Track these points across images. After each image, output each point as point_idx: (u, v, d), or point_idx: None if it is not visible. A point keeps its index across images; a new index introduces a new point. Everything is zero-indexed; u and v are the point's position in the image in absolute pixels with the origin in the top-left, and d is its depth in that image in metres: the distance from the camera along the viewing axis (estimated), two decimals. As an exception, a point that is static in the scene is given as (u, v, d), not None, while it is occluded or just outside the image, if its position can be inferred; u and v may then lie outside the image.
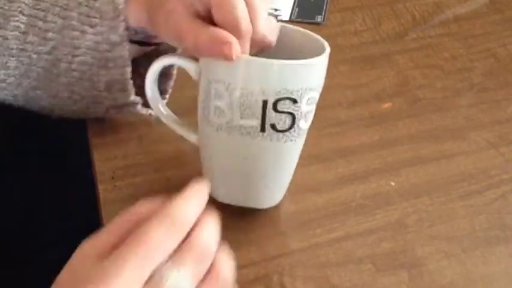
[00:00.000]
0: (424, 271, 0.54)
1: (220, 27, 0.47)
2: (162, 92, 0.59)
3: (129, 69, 0.53)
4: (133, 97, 0.55)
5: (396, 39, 0.77)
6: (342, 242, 0.56)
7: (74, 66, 0.52)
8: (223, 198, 0.56)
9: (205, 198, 0.41)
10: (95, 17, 0.52)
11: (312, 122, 0.66)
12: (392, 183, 0.61)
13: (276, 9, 0.51)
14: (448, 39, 0.77)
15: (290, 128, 0.51)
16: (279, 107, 0.49)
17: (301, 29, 0.55)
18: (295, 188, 0.60)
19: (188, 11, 0.48)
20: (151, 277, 0.36)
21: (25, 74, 0.54)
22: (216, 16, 0.48)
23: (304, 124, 0.52)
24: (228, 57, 0.46)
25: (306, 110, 0.51)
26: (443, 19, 0.80)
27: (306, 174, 0.61)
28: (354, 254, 0.55)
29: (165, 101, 0.60)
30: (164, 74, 0.59)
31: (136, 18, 0.53)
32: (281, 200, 0.59)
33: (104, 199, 0.58)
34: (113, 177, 0.60)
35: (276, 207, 0.59)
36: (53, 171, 0.75)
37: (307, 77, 0.50)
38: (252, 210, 0.58)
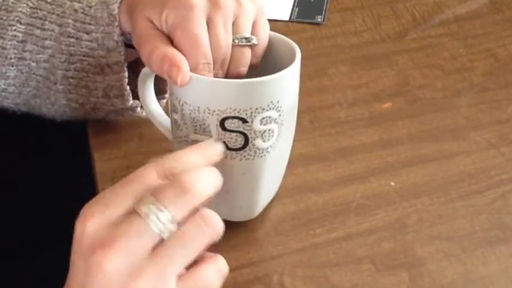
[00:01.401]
0: (424, 271, 0.54)
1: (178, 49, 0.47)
2: (161, 91, 0.59)
3: (125, 75, 0.53)
4: (131, 102, 0.55)
5: (396, 39, 0.77)
6: (342, 242, 0.56)
7: (70, 73, 0.52)
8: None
9: (215, 158, 0.43)
10: (90, 24, 0.52)
11: (312, 122, 0.67)
12: (392, 183, 0.61)
13: (246, 38, 0.50)
14: (448, 39, 0.77)
15: (244, 147, 0.49)
16: (227, 125, 0.48)
17: (275, 34, 0.54)
18: (295, 188, 0.60)
19: (153, 24, 0.48)
20: (133, 210, 0.38)
21: (25, 83, 0.54)
22: (176, 40, 0.47)
23: (262, 144, 0.50)
24: (174, 81, 0.46)
25: (262, 130, 0.49)
26: (443, 19, 0.80)
27: (306, 174, 0.61)
28: (354, 254, 0.55)
29: (164, 101, 0.60)
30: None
31: (125, 22, 0.53)
32: (281, 200, 0.59)
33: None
34: (113, 177, 0.60)
35: (276, 207, 0.59)
36: (53, 171, 0.75)
37: (258, 96, 0.48)
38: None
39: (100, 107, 0.55)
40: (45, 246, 0.72)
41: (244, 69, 0.51)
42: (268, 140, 0.50)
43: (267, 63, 0.53)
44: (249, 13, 0.50)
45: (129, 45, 0.53)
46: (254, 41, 0.50)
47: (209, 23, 0.48)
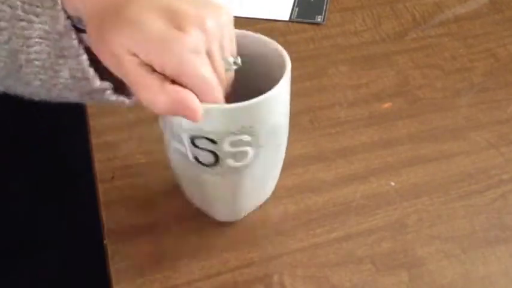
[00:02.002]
0: (424, 271, 0.54)
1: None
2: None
3: (83, 58, 0.50)
4: (98, 83, 0.53)
5: (396, 39, 0.77)
6: (342, 242, 0.56)
7: (32, 56, 0.50)
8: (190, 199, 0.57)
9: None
10: (37, 6, 0.49)
11: (312, 122, 0.67)
12: (392, 183, 0.61)
13: (234, 62, 0.48)
14: (448, 39, 0.77)
15: (215, 164, 0.49)
16: (198, 143, 0.48)
17: (265, 39, 0.53)
18: (295, 188, 0.60)
19: (136, 56, 0.45)
20: None
21: None
22: (185, 84, 0.45)
23: (234, 163, 0.49)
24: (192, 120, 0.44)
25: (233, 151, 0.49)
26: (443, 19, 0.80)
27: (306, 174, 0.61)
28: (354, 254, 0.55)
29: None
30: None
31: (74, 5, 0.49)
32: (281, 200, 0.59)
33: (104, 199, 0.58)
34: (113, 177, 0.60)
35: (276, 207, 0.59)
36: (53, 171, 0.75)
37: (226, 121, 0.47)
38: (252, 210, 0.58)
39: (72, 87, 0.53)
40: (45, 246, 0.72)
41: (229, 90, 0.50)
42: (241, 160, 0.50)
43: (258, 68, 0.52)
44: (225, 34, 0.48)
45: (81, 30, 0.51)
46: (239, 63, 0.49)
47: (208, 55, 0.46)
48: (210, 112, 0.45)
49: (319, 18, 0.80)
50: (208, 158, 0.49)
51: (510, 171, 0.62)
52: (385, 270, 0.54)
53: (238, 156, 0.49)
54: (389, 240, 0.56)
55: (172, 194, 0.58)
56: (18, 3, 0.50)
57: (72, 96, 0.54)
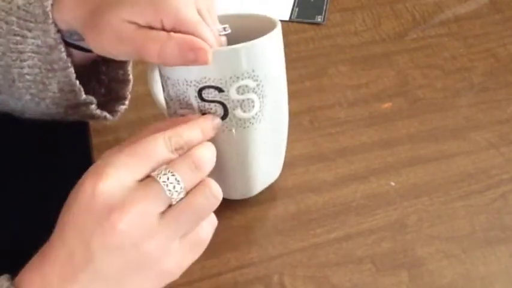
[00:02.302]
0: (424, 271, 0.54)
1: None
2: (120, 98, 0.59)
3: (71, 71, 0.52)
4: (84, 97, 0.54)
5: (396, 39, 0.77)
6: (342, 242, 0.56)
7: (25, 70, 0.52)
8: None
9: (211, 133, 0.48)
10: (30, 21, 0.51)
11: (312, 122, 0.67)
12: (392, 183, 0.61)
13: (224, 28, 0.51)
14: (448, 39, 0.77)
15: (224, 117, 0.51)
16: (205, 95, 0.50)
17: (253, 14, 0.55)
18: (295, 188, 0.60)
19: (134, 23, 0.48)
20: (148, 176, 0.43)
21: None
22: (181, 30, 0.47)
23: (242, 114, 0.51)
24: (204, 62, 0.46)
25: (240, 99, 0.50)
26: (443, 19, 0.80)
27: (306, 174, 0.61)
28: (354, 254, 0.55)
29: (124, 107, 0.60)
30: (119, 81, 0.59)
31: (67, 21, 0.52)
32: (281, 200, 0.59)
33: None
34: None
35: (276, 207, 0.59)
36: (53, 171, 0.75)
37: (230, 64, 0.49)
38: (252, 210, 0.58)
39: (58, 101, 0.55)
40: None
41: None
42: (249, 110, 0.51)
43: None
44: (211, 3, 0.51)
45: (75, 46, 0.53)
46: (228, 29, 0.51)
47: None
48: (215, 56, 0.47)
49: (319, 18, 0.80)
50: (217, 111, 0.50)
51: (510, 171, 0.62)
52: (385, 270, 0.54)
53: (245, 105, 0.50)
54: (389, 240, 0.56)
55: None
56: (14, 19, 0.51)
57: (58, 112, 0.56)
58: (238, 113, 0.51)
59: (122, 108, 0.60)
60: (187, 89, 0.50)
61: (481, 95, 0.70)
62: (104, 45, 0.49)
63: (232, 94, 0.50)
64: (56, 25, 0.51)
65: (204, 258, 0.55)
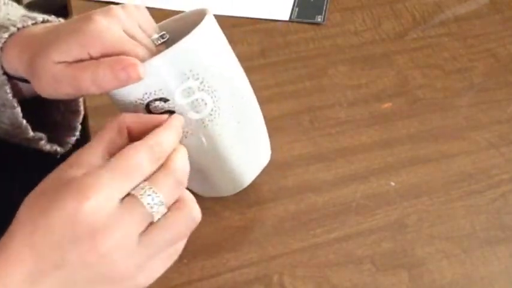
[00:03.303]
0: (424, 271, 0.54)
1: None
2: (73, 129, 0.60)
3: (17, 111, 0.53)
4: (32, 134, 0.55)
5: (396, 39, 0.77)
6: (342, 242, 0.56)
7: None
8: (192, 188, 0.57)
9: (180, 131, 0.47)
10: None
11: (312, 122, 0.67)
12: (392, 183, 0.61)
13: (161, 36, 0.51)
14: (448, 39, 0.77)
15: None
16: (153, 109, 0.49)
17: (187, 12, 0.54)
18: (295, 188, 0.60)
19: (64, 62, 0.48)
20: (129, 194, 0.41)
21: None
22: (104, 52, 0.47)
23: (196, 115, 0.50)
24: (135, 78, 0.46)
25: (188, 102, 0.49)
26: (443, 19, 0.80)
27: (306, 174, 0.61)
28: (354, 254, 0.55)
29: (74, 138, 0.60)
30: (72, 111, 0.59)
31: (14, 67, 0.52)
32: (281, 200, 0.59)
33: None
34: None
35: (276, 207, 0.59)
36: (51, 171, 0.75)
37: (164, 73, 0.47)
38: (252, 210, 0.58)
39: (12, 134, 0.56)
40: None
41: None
42: (202, 109, 0.50)
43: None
44: (139, 17, 0.51)
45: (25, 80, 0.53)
46: (166, 35, 0.51)
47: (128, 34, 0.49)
48: (148, 67, 0.46)
49: (319, 18, 0.80)
50: None
51: (510, 171, 0.62)
52: (385, 270, 0.54)
53: (197, 105, 0.49)
54: (389, 240, 0.56)
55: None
56: None
57: (16, 141, 0.57)
58: (192, 115, 0.50)
59: (73, 139, 0.60)
60: (135, 107, 0.49)
61: (481, 95, 0.70)
62: (44, 89, 0.50)
63: (179, 99, 0.49)
64: (2, 68, 0.52)
65: (204, 258, 0.55)
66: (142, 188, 0.41)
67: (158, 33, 0.51)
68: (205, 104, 0.50)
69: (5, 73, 0.52)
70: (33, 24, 0.53)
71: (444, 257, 0.55)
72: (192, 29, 0.49)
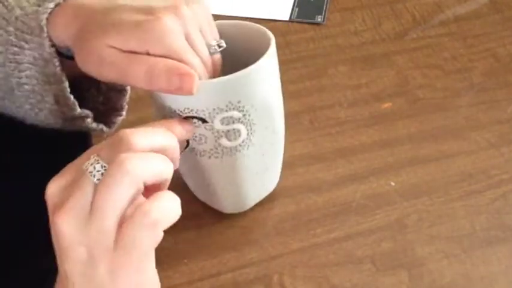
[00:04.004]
0: (424, 271, 0.54)
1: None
2: (118, 108, 0.59)
3: (65, 85, 0.52)
4: (79, 111, 0.54)
5: (396, 39, 0.77)
6: (342, 242, 0.56)
7: (23, 80, 0.52)
8: (198, 195, 0.58)
9: (178, 134, 0.46)
10: (27, 33, 0.51)
11: (312, 122, 0.67)
12: (392, 183, 0.61)
13: (218, 44, 0.50)
14: (448, 39, 0.77)
15: (210, 145, 0.50)
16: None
17: (246, 23, 0.53)
18: (295, 188, 0.60)
19: (118, 48, 0.47)
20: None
21: None
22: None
23: (227, 142, 0.50)
24: (187, 90, 0.45)
25: (225, 129, 0.49)
26: (443, 19, 0.80)
27: (306, 174, 0.61)
28: (354, 254, 0.55)
29: (121, 118, 0.59)
30: (117, 90, 0.59)
31: (60, 38, 0.51)
32: (281, 200, 0.59)
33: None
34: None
35: (276, 207, 0.59)
36: (53, 171, 0.75)
37: (212, 97, 0.48)
38: (252, 210, 0.58)
39: (55, 113, 0.55)
40: (45, 246, 0.72)
41: (219, 74, 0.51)
42: (235, 139, 0.50)
43: (246, 54, 0.52)
44: (202, 20, 0.50)
45: (71, 57, 0.52)
46: (223, 44, 0.50)
47: (187, 39, 0.48)
48: (202, 86, 0.46)
49: (319, 18, 0.80)
50: (201, 139, 0.50)
51: (510, 171, 0.62)
52: (385, 270, 0.54)
53: (231, 135, 0.50)
54: (389, 240, 0.56)
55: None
56: (11, 29, 0.52)
57: (57, 122, 0.56)
58: (224, 142, 0.50)
59: (119, 119, 0.59)
60: (171, 115, 0.49)
61: (481, 95, 0.70)
62: (88, 67, 0.49)
63: (217, 125, 0.49)
64: (50, 39, 0.51)
65: (204, 258, 0.55)
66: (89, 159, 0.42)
67: (217, 41, 0.50)
68: (240, 135, 0.50)
69: (53, 45, 0.51)
70: None
71: (444, 257, 0.55)
72: (247, 46, 0.50)
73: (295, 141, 0.64)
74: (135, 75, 0.46)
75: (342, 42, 0.76)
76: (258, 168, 0.54)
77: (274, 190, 0.59)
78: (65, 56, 0.52)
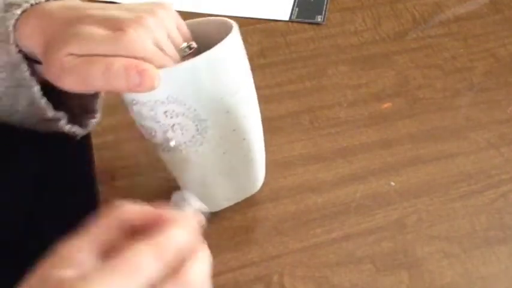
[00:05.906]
0: (424, 271, 0.54)
1: None
2: (90, 111, 0.58)
3: (36, 90, 0.52)
4: (53, 113, 0.54)
5: (396, 39, 0.77)
6: (342, 242, 0.56)
7: None
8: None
9: (195, 225, 0.41)
10: None
11: (312, 122, 0.67)
12: (392, 183, 0.61)
13: (188, 46, 0.50)
14: (448, 39, 0.77)
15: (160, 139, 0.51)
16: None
17: (215, 18, 0.53)
18: (295, 188, 0.60)
19: (78, 55, 0.47)
20: None
21: None
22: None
23: (174, 136, 0.50)
24: (149, 87, 0.45)
25: (170, 123, 0.49)
26: (443, 19, 0.80)
27: (306, 174, 0.61)
28: (354, 254, 0.55)
29: (95, 120, 0.58)
30: (89, 94, 0.58)
31: (28, 47, 0.51)
32: (281, 200, 0.59)
33: (104, 199, 0.58)
34: (112, 178, 0.60)
35: (276, 207, 0.59)
36: (52, 171, 0.75)
37: (161, 87, 0.46)
38: (252, 210, 0.58)
39: (28, 116, 0.55)
40: (45, 246, 0.71)
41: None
42: (183, 134, 0.50)
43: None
44: (169, 25, 0.50)
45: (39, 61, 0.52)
46: (194, 45, 0.50)
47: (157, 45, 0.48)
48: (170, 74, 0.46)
49: (319, 18, 0.80)
50: (152, 132, 0.51)
51: (510, 171, 0.62)
52: (385, 270, 0.54)
53: (177, 129, 0.50)
54: (389, 240, 0.56)
55: (172, 194, 0.58)
56: None
57: (32, 124, 0.56)
58: (170, 135, 0.50)
59: (93, 121, 0.58)
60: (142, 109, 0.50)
61: (481, 95, 0.70)
62: (51, 77, 0.49)
63: (161, 118, 0.49)
64: (17, 45, 0.51)
65: (204, 258, 0.55)
66: None
67: (187, 43, 0.50)
68: (187, 130, 0.50)
69: (20, 51, 0.51)
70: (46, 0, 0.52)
71: (444, 257, 0.55)
72: (216, 38, 0.49)
73: (295, 141, 0.64)
74: (93, 76, 0.46)
75: (342, 42, 0.76)
76: (220, 168, 0.53)
77: (274, 190, 0.59)
78: (39, 61, 0.52)
